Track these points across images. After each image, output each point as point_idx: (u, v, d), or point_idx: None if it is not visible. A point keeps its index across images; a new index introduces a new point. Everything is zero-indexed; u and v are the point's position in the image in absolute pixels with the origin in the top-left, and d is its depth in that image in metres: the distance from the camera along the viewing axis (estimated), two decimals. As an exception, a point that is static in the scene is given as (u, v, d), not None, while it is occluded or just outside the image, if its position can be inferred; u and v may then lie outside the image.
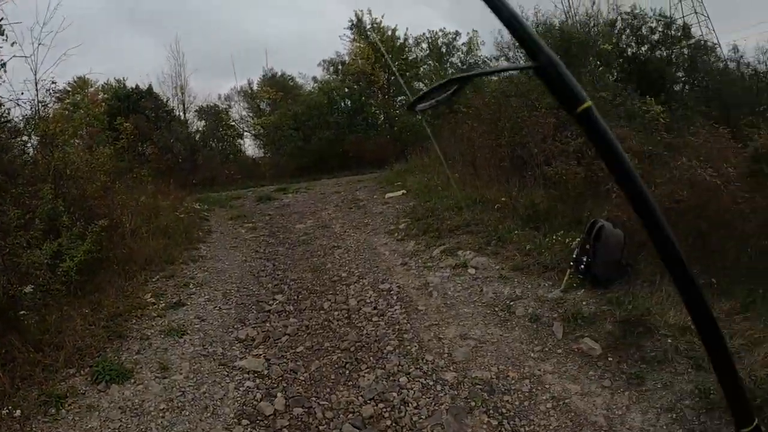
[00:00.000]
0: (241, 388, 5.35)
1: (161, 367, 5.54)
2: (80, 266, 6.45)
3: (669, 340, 5.08)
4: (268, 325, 6.77)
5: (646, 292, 5.86)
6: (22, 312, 5.38)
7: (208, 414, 4.91)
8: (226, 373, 5.59)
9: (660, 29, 19.05)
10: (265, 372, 5.67)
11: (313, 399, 5.20)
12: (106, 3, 40.77)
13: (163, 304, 7.06)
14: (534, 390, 5.02)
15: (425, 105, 1.24)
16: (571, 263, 6.57)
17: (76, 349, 5.57)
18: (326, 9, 46.17)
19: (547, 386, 5.04)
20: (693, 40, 19.31)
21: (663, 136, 8.18)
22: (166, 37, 49.34)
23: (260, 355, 6.02)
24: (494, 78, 22.15)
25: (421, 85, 27.95)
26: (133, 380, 5.28)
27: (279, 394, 5.27)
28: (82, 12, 30.58)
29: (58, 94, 11.26)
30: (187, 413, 4.88)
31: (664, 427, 4.35)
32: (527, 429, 4.57)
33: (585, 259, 6.36)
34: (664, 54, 19.19)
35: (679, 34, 19.06)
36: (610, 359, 5.22)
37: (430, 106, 1.25)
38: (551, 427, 4.55)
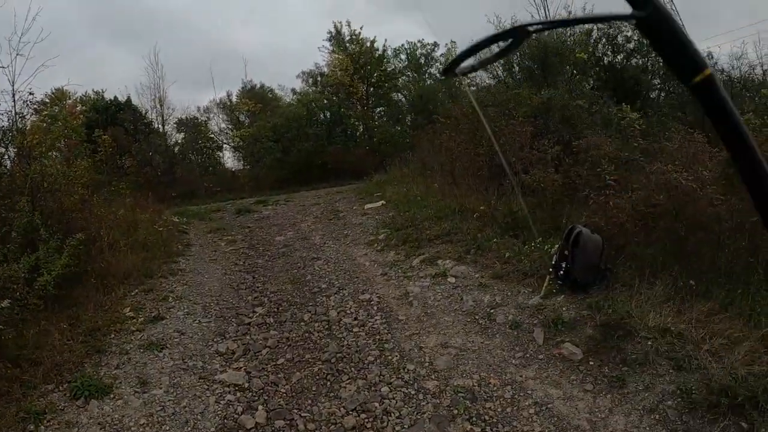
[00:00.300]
0: (221, 402, 5.28)
1: (141, 382, 5.46)
2: (58, 280, 6.37)
3: (649, 342, 5.10)
4: (248, 337, 6.70)
5: (626, 295, 5.87)
6: (-1, 327, 5.30)
7: (189, 428, 4.84)
8: (206, 387, 5.52)
9: (635, 38, 19.26)
10: (246, 385, 5.60)
11: (295, 411, 5.14)
12: (84, 14, 40.58)
13: (142, 318, 6.97)
14: (516, 396, 5.01)
15: (467, 66, 0.99)
16: (551, 269, 6.59)
17: (55, 365, 5.49)
18: (305, 21, 46.34)
19: (529, 392, 5.03)
20: (668, 48, 19.49)
21: (639, 142, 8.23)
22: (143, 49, 49.00)
23: (241, 368, 5.95)
24: (472, 87, 22.34)
25: (400, 96, 28.10)
26: (112, 395, 5.19)
27: (260, 407, 5.21)
28: (59, 23, 30.44)
29: (35, 106, 11.14)
30: (168, 428, 4.82)
31: (648, 428, 4.36)
32: (510, 435, 4.57)
33: (564, 265, 6.38)
34: (640, 62, 19.40)
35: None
36: (591, 363, 5.22)
37: (474, 69, 1.02)
38: (534, 433, 4.54)
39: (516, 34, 0.88)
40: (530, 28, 0.87)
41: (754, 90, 13.91)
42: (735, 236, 6.18)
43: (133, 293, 7.80)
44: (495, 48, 0.91)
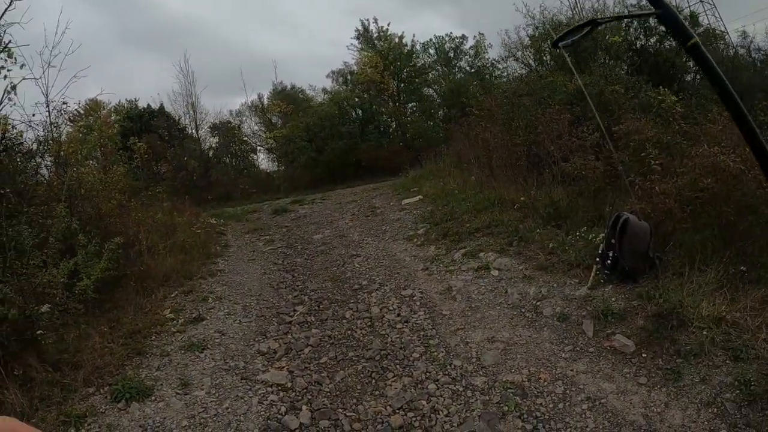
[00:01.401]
0: (264, 402, 5.24)
1: (182, 383, 5.45)
2: (97, 284, 6.41)
3: (704, 332, 4.91)
4: (289, 336, 6.66)
5: (676, 284, 5.68)
6: (39, 332, 5.31)
7: (232, 430, 4.80)
8: (248, 387, 5.48)
9: (668, 20, 18.88)
10: (289, 384, 5.55)
11: (340, 410, 5.08)
12: (111, 24, 41.25)
13: (183, 320, 6.98)
14: (568, 391, 4.87)
15: (567, 42, 1.59)
16: (597, 259, 6.42)
17: (95, 368, 5.50)
18: (330, 20, 46.47)
19: (581, 387, 4.89)
20: (701, 29, 19.15)
21: (680, 125, 7.98)
22: (173, 57, 49.71)
23: (283, 367, 5.91)
24: (503, 78, 22.15)
25: (431, 90, 27.98)
26: (153, 397, 5.19)
27: (304, 407, 5.15)
28: (88, 35, 30.95)
29: (69, 115, 11.27)
30: (210, 430, 4.78)
31: (706, 422, 4.19)
32: None
33: (611, 254, 6.20)
34: (674, 44, 19.02)
35: (686, 23, 18.88)
36: (644, 355, 5.06)
37: (571, 43, 1.63)
38: (588, 429, 4.40)
39: (593, 24, 1.43)
40: (599, 20, 1.44)
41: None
42: (786, 219, 5.96)
43: (172, 295, 7.83)
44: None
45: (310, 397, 5.34)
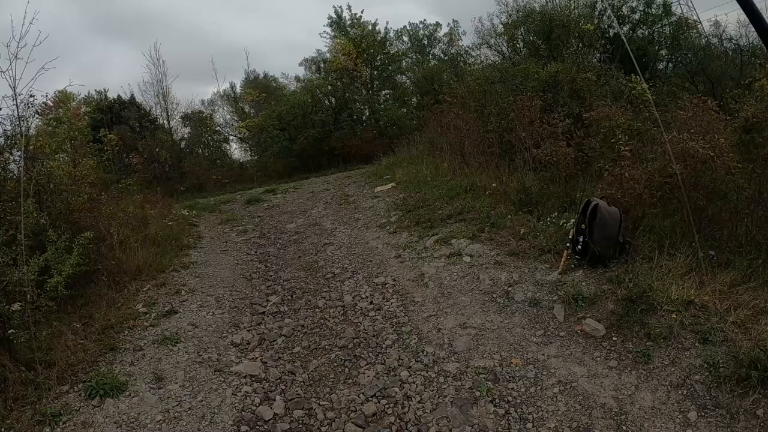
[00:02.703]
0: (238, 394, 5.20)
1: (156, 378, 5.37)
2: (69, 280, 6.27)
3: (673, 315, 4.98)
4: (263, 327, 6.62)
5: (646, 268, 5.74)
6: (11, 331, 5.19)
7: (206, 422, 4.76)
8: (222, 379, 5.44)
9: (640, 8, 19.04)
10: (263, 375, 5.52)
11: (314, 400, 5.07)
12: (79, 15, 40.62)
13: (155, 313, 6.89)
14: (539, 375, 4.91)
15: None
16: (568, 244, 6.46)
17: (69, 365, 5.41)
18: (303, 7, 46.17)
19: (552, 371, 4.93)
20: (674, 18, 19.31)
21: (651, 112, 8.05)
22: (143, 46, 49.11)
23: (256, 358, 5.87)
24: (477, 66, 22.19)
25: (404, 77, 27.96)
26: (127, 393, 5.10)
27: (278, 397, 5.13)
28: (55, 25, 30.46)
29: (37, 108, 11.08)
30: (185, 423, 4.73)
31: (676, 404, 4.25)
32: (535, 416, 4.46)
33: (581, 239, 6.25)
34: (646, 33, 19.19)
35: (659, 12, 19.05)
36: (614, 339, 5.11)
37: None
38: (560, 412, 4.44)
39: None
40: None
41: (764, 57, 13.70)
42: (754, 204, 6.03)
43: (145, 289, 7.73)
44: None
45: (283, 387, 5.32)
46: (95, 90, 25.55)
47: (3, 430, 4.47)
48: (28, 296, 5.53)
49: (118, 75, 46.25)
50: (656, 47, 19.02)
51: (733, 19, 20.67)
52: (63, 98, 23.72)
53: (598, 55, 17.40)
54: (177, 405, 4.97)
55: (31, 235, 6.34)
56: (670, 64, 19.37)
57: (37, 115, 12.63)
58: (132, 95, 24.84)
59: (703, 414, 4.11)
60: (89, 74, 36.77)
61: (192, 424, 4.73)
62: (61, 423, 4.65)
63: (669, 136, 6.55)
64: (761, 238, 5.82)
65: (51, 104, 22.12)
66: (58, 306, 6.11)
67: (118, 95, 24.74)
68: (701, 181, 6.16)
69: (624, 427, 4.19)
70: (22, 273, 5.55)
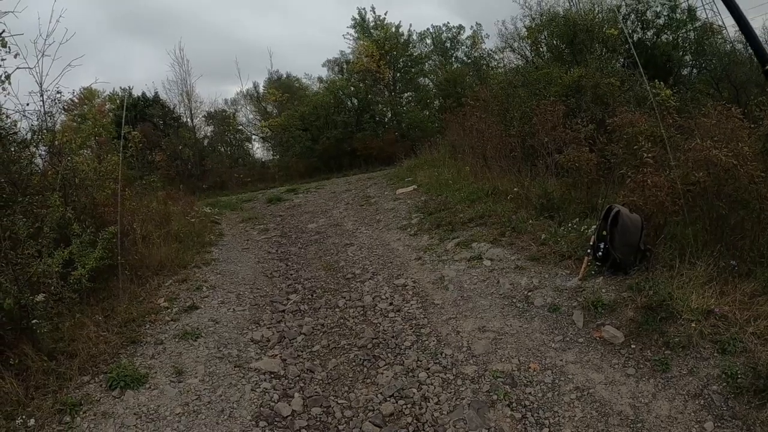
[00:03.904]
0: (257, 390, 5.26)
1: (176, 371, 5.45)
2: (92, 273, 6.39)
3: (693, 325, 4.96)
4: (283, 325, 6.69)
5: (667, 276, 5.72)
6: (34, 321, 5.30)
7: (225, 417, 4.83)
8: (241, 375, 5.51)
9: (665, 13, 18.89)
10: (282, 372, 5.59)
11: (332, 398, 5.12)
12: (104, 13, 41.06)
13: (177, 308, 6.98)
14: (557, 381, 4.92)
15: None
16: (588, 251, 6.46)
17: (90, 356, 5.50)
18: (327, 9, 46.28)
19: (570, 376, 4.94)
20: (699, 23, 19.14)
21: (674, 119, 8.01)
22: (168, 45, 49.50)
23: (276, 355, 5.94)
24: (500, 69, 22.14)
25: (427, 80, 27.98)
26: (148, 385, 5.18)
27: (296, 395, 5.19)
28: (83, 22, 30.83)
29: (63, 104, 11.23)
30: (204, 417, 4.80)
31: (692, 414, 4.24)
32: (552, 421, 4.48)
33: (602, 246, 6.25)
34: (670, 38, 19.02)
35: (684, 17, 18.90)
36: (633, 347, 5.10)
37: None
38: (576, 418, 4.45)
39: None
40: None
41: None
42: (777, 215, 5.99)
43: (167, 284, 7.83)
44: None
45: (302, 384, 5.38)
46: (120, 88, 25.86)
47: (24, 417, 4.55)
48: (52, 288, 5.64)
49: (142, 73, 46.66)
50: (680, 53, 18.86)
51: (759, 24, 20.47)
52: (88, 95, 24.02)
53: (622, 60, 17.30)
54: (196, 399, 5.04)
55: (56, 228, 6.45)
56: (695, 70, 19.20)
57: (63, 112, 12.78)
58: (156, 93, 25.14)
59: (719, 424, 4.10)
60: (114, 72, 37.30)
61: (211, 417, 4.80)
62: (81, 412, 4.73)
63: (692, 143, 6.53)
64: (783, 249, 5.78)
65: (76, 101, 22.40)
66: (80, 298, 6.22)
67: (143, 93, 25.07)
68: (724, 189, 6.12)
69: (640, 435, 4.20)
70: (47, 265, 5.66)
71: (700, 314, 5.05)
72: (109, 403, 4.89)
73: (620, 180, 7.72)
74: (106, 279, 7.12)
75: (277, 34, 46.88)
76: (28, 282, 5.48)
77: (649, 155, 7.06)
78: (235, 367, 5.66)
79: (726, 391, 4.31)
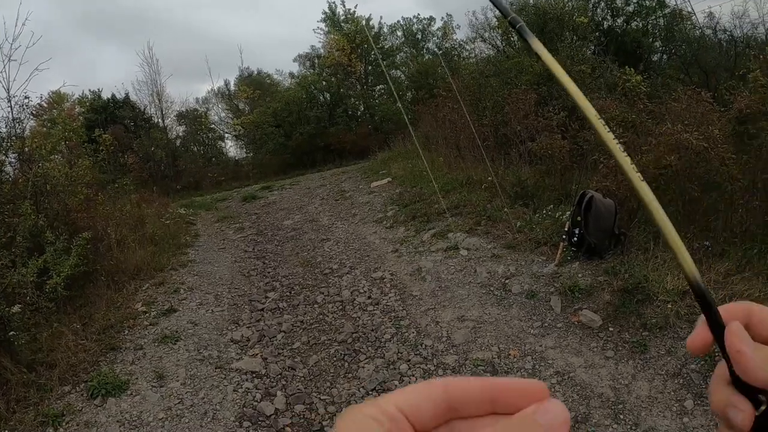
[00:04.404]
0: (239, 390, 5.23)
1: (157, 376, 5.41)
2: (68, 281, 6.30)
3: (669, 306, 5.02)
4: (262, 323, 6.65)
5: (641, 259, 5.80)
6: (11, 333, 5.23)
7: (208, 419, 4.80)
8: (223, 376, 5.47)
9: (634, 0, 19.03)
10: (263, 371, 5.56)
11: (314, 394, 5.11)
12: (71, 15, 40.51)
13: (155, 312, 6.93)
14: (537, 366, 4.95)
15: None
16: (564, 237, 6.50)
17: (70, 366, 5.44)
18: (297, 3, 46.06)
19: (550, 362, 4.98)
20: (668, 10, 19.30)
21: (645, 104, 8.09)
22: (136, 45, 49.00)
23: (257, 354, 5.91)
24: (471, 59, 22.19)
25: (399, 72, 27.96)
26: (129, 392, 5.14)
27: (279, 393, 5.17)
28: (49, 25, 30.40)
29: (32, 110, 11.07)
30: (187, 420, 4.77)
31: (672, 393, 4.29)
32: (533, 406, 4.50)
33: (577, 231, 6.30)
34: (640, 25, 19.18)
35: (653, 3, 19.05)
36: (611, 329, 5.16)
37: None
38: (557, 403, 4.47)
39: None
40: None
41: (758, 48, 13.72)
42: (748, 195, 6.07)
43: (144, 288, 7.76)
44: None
45: (284, 382, 5.35)
46: (89, 90, 25.53)
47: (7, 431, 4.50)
48: (28, 298, 5.56)
49: (111, 74, 46.10)
50: (650, 39, 19.02)
51: (728, 10, 20.71)
52: (57, 99, 23.72)
53: (593, 47, 17.40)
54: (179, 403, 5.00)
55: (29, 237, 6.36)
56: (665, 56, 19.37)
57: (32, 117, 12.61)
58: (126, 94, 24.83)
59: (699, 402, 4.15)
60: (83, 74, 36.76)
61: (194, 421, 4.77)
62: (63, 423, 4.70)
63: (663, 127, 6.59)
64: (755, 228, 5.86)
65: (45, 105, 22.12)
66: (57, 307, 6.15)
67: (112, 95, 24.73)
68: (695, 172, 6.20)
69: (621, 416, 4.23)
70: (22, 275, 5.57)
71: (676, 295, 5.12)
72: (92, 412, 4.86)
73: (593, 166, 7.78)
74: (83, 286, 7.04)
75: (247, 31, 46.45)
76: (3, 293, 5.40)
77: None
78: (216, 368, 5.62)
79: (704, 369, 4.37)
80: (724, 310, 0.49)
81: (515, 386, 0.39)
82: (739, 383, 0.46)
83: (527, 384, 0.39)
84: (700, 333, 0.50)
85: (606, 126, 0.62)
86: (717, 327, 0.48)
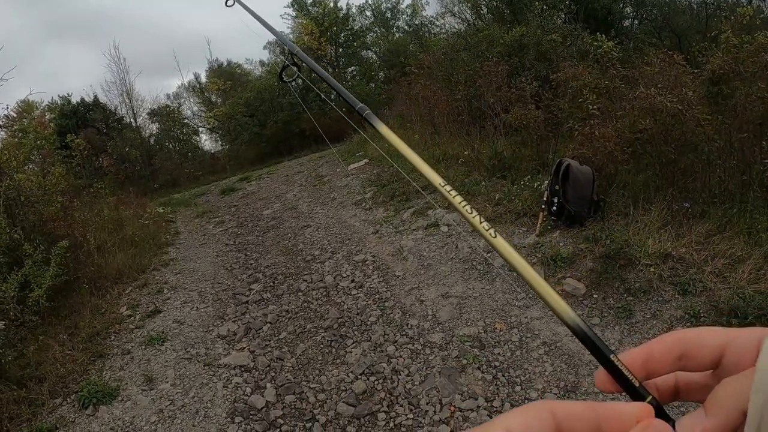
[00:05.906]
0: (229, 386, 5.18)
1: (146, 379, 5.35)
2: (50, 292, 6.23)
3: (652, 269, 5.03)
4: (247, 316, 6.60)
5: (622, 224, 5.80)
6: (-2, 351, 5.17)
7: (200, 418, 4.74)
8: (212, 373, 5.42)
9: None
10: (252, 365, 5.50)
11: (304, 383, 5.06)
12: (33, 21, 39.88)
13: (140, 315, 6.86)
14: (524, 338, 4.94)
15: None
16: (543, 206, 6.49)
17: (59, 378, 5.39)
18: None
19: (536, 332, 4.97)
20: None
21: (618, 70, 8.07)
22: (102, 46, 48.32)
23: (244, 348, 5.85)
24: (442, 35, 22.08)
25: (370, 53, 27.82)
26: (120, 398, 5.09)
27: (268, 385, 5.12)
28: (11, 33, 29.91)
29: (0, 121, 10.89)
30: (179, 421, 4.72)
31: (659, 356, 4.29)
32: (523, 378, 4.49)
33: (556, 200, 6.29)
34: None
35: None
36: (595, 296, 5.16)
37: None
38: (546, 373, 4.47)
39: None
40: None
41: (728, 9, 13.76)
42: (726, 155, 6.08)
43: (127, 291, 7.68)
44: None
45: (273, 374, 5.31)
46: (58, 96, 25.18)
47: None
48: (11, 314, 5.49)
49: (79, 78, 45.39)
50: (621, 5, 18.99)
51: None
52: (26, 108, 23.38)
53: (563, 15, 17.34)
54: (170, 404, 4.95)
55: (6, 252, 6.27)
56: (636, 21, 19.36)
57: (1, 128, 12.42)
58: (95, 97, 24.51)
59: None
60: (48, 81, 36.23)
61: (186, 420, 4.72)
62: (58, 437, 4.66)
63: (637, 92, 6.58)
64: (734, 188, 5.88)
65: (15, 115, 21.80)
66: (42, 319, 6.10)
67: (82, 98, 24.42)
68: (671, 135, 6.20)
69: (611, 383, 4.22)
70: (2, 291, 5.50)
71: (658, 258, 5.13)
72: (84, 422, 4.81)
73: (569, 134, 7.78)
74: (65, 295, 6.96)
75: (213, 23, 45.99)
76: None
77: (595, 107, 7.11)
78: (204, 366, 5.57)
79: (690, 330, 4.37)
80: (659, 351, 0.47)
81: (620, 410, 0.40)
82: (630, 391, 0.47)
83: (633, 407, 0.40)
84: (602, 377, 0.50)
85: (453, 192, 0.70)
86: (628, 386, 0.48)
